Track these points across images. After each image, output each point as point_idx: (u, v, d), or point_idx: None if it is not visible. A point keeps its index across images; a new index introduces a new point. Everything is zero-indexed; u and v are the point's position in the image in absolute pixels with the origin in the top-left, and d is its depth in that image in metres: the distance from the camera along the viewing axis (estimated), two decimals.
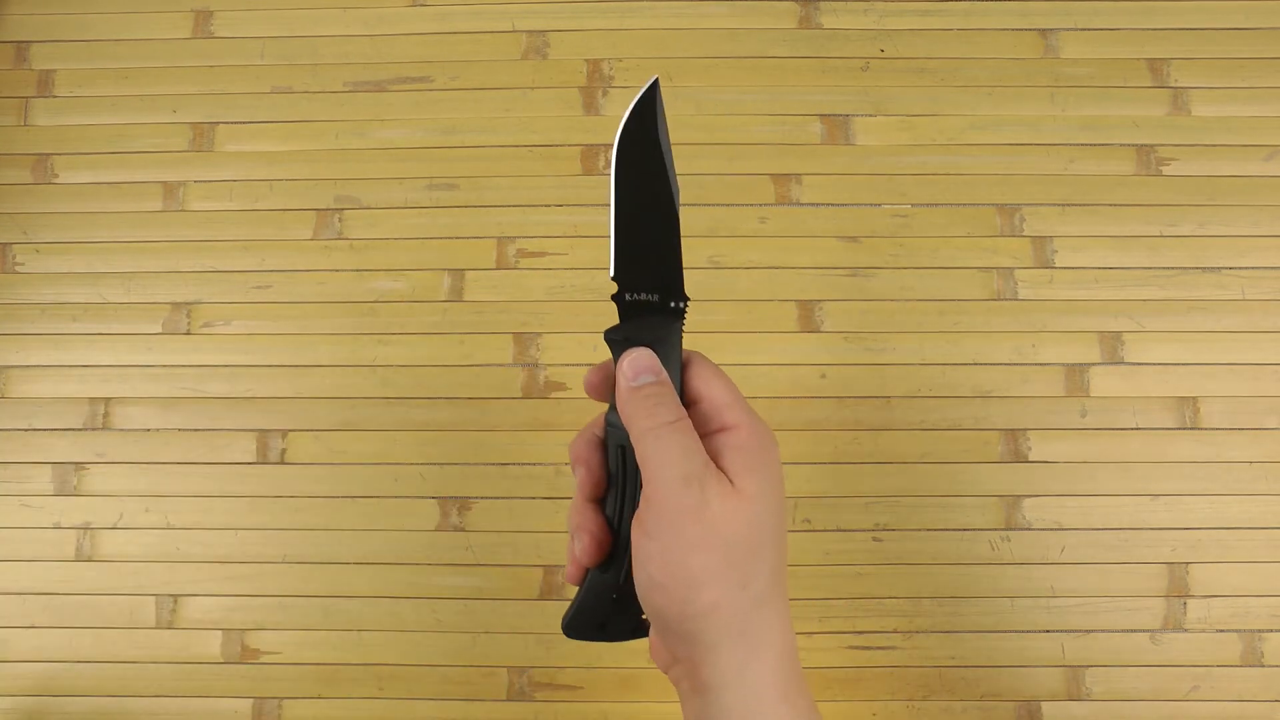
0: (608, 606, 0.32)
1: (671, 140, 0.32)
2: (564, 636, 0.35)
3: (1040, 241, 0.60)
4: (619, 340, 0.33)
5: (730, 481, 0.29)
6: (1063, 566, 0.56)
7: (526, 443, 0.58)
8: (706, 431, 0.31)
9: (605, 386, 0.33)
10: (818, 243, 0.60)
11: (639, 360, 0.32)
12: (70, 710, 0.56)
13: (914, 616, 0.56)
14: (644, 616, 0.32)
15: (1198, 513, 0.57)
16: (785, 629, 0.30)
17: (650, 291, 0.33)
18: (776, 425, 0.57)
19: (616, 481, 0.32)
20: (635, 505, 0.31)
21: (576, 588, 0.33)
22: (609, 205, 0.34)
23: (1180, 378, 0.58)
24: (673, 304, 0.33)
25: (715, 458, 0.30)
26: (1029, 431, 0.58)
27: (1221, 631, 0.56)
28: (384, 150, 0.62)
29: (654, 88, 0.34)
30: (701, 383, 0.32)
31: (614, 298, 0.33)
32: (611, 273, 0.33)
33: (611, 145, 0.31)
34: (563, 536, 0.57)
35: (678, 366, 0.32)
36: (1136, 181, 0.61)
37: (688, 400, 0.32)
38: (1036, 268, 0.60)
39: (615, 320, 0.34)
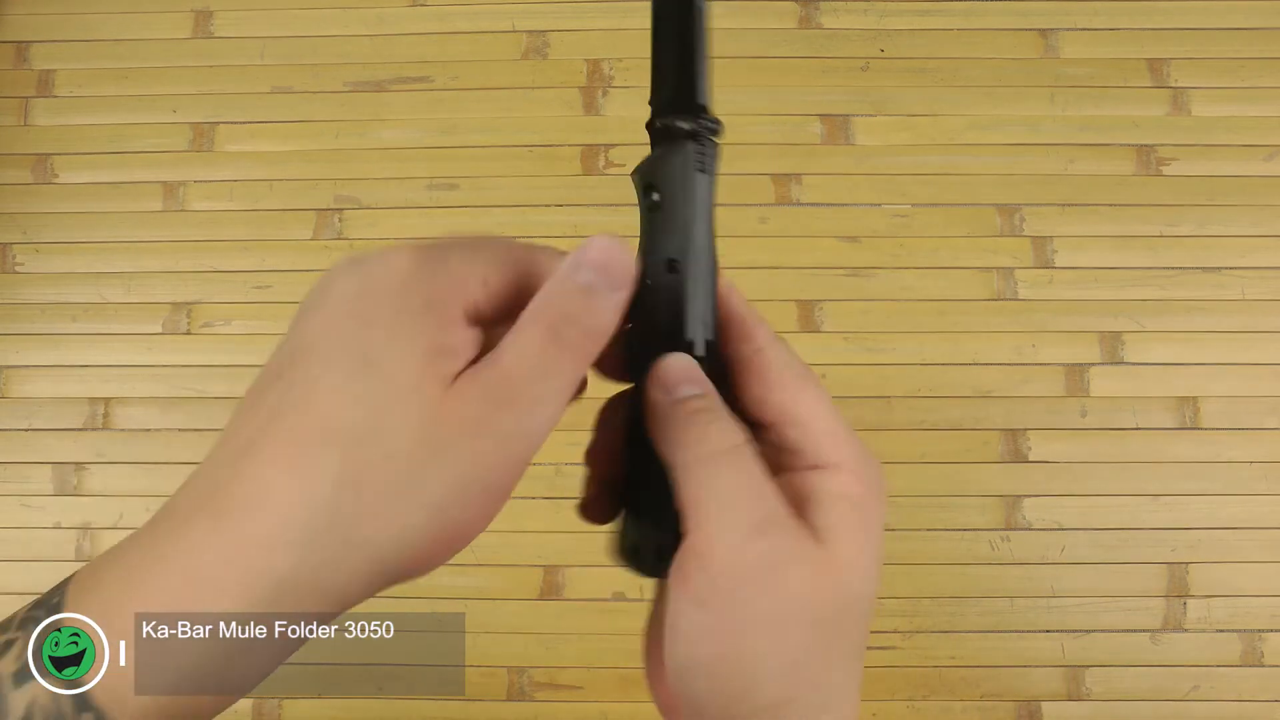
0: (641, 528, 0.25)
1: None
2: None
3: (1040, 241, 0.60)
4: (644, 184, 0.24)
5: (817, 540, 0.22)
6: (1063, 566, 0.56)
7: None
8: (790, 466, 0.23)
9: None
10: (818, 243, 0.60)
11: (678, 368, 0.23)
12: None
13: (914, 616, 0.56)
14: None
15: (1198, 513, 0.57)
16: None
17: (681, 116, 0.25)
18: None
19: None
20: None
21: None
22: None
23: (1180, 378, 0.58)
24: (692, 126, 0.24)
25: (800, 505, 0.22)
26: (1029, 431, 0.58)
27: (1221, 631, 0.56)
28: (384, 150, 0.62)
29: None
30: (787, 395, 0.23)
31: (647, 126, 0.25)
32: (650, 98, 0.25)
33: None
34: (562, 536, 0.57)
35: (705, 226, 0.24)
36: (1136, 181, 0.61)
37: (762, 417, 0.23)
38: (1036, 268, 0.60)
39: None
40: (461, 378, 0.20)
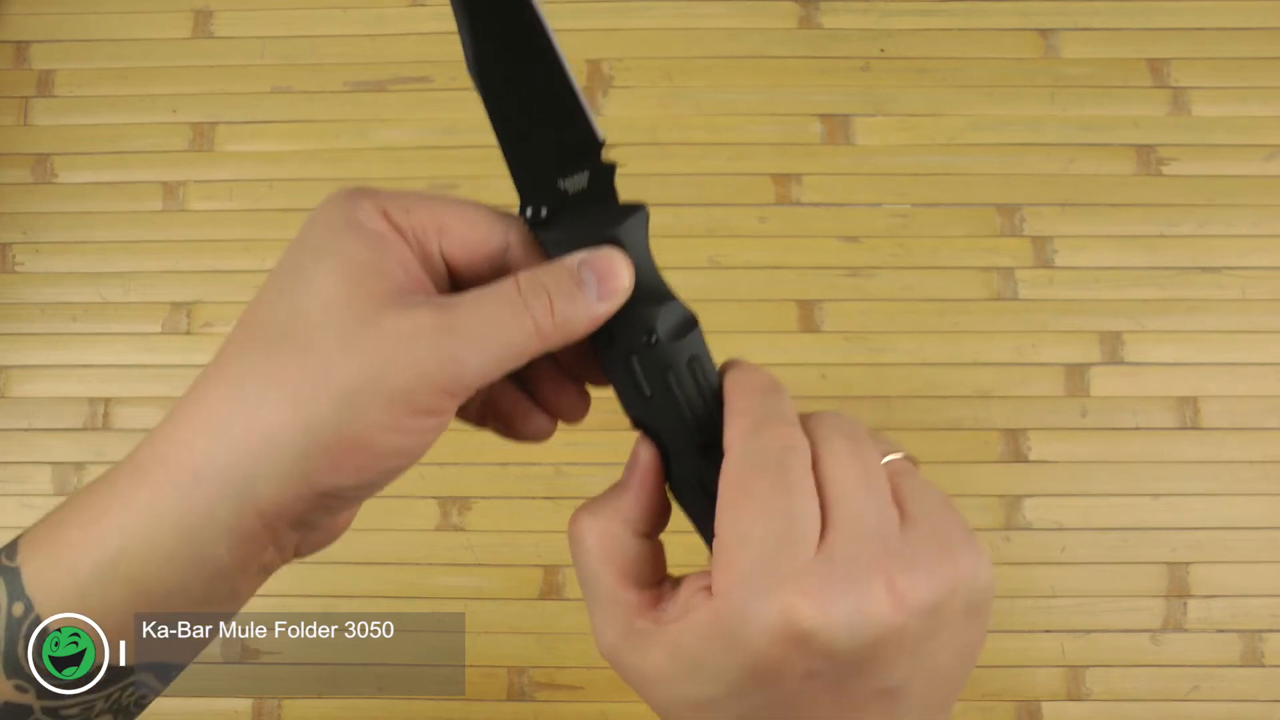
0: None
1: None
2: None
3: (1040, 241, 0.60)
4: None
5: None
6: (1063, 566, 0.56)
7: (526, 443, 0.58)
8: None
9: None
10: (818, 243, 0.60)
11: (635, 452, 0.25)
12: None
13: None
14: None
15: (1198, 513, 0.57)
16: None
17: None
18: None
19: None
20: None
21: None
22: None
23: (1180, 378, 0.58)
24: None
25: (679, 612, 0.22)
26: (1029, 431, 0.58)
27: (1221, 631, 0.56)
28: (384, 150, 0.62)
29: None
30: (721, 511, 0.22)
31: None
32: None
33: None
34: (563, 536, 0.57)
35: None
36: (1136, 181, 0.61)
37: None
38: (1036, 268, 0.60)
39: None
40: (413, 297, 0.21)
